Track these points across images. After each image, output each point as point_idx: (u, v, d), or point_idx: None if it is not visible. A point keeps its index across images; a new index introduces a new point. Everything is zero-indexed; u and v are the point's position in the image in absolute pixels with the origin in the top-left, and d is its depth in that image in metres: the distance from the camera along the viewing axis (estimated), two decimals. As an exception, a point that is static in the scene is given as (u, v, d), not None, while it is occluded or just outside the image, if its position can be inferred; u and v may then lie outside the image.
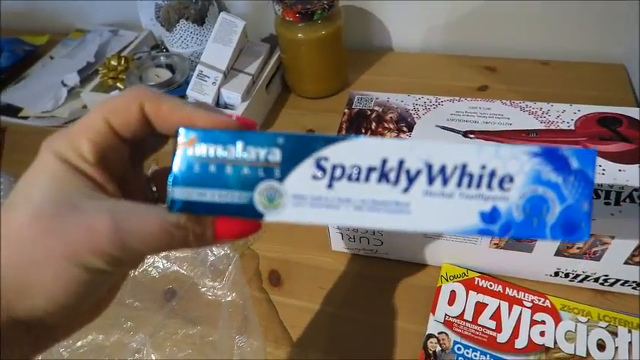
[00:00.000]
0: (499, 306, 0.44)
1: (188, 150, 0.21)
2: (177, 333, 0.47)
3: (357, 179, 0.21)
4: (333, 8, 0.64)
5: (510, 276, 0.47)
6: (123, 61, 0.73)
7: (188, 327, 0.47)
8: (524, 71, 0.70)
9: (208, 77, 0.64)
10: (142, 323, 0.48)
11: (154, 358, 0.45)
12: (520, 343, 0.42)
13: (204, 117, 0.22)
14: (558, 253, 0.42)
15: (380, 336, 0.45)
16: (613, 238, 0.39)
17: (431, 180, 0.21)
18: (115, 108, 0.22)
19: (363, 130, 0.45)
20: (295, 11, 0.63)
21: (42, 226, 0.20)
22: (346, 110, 0.48)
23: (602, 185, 0.38)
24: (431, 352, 0.42)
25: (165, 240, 0.21)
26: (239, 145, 0.21)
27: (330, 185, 0.21)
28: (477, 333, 0.43)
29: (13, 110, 0.78)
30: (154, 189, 0.26)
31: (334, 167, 0.21)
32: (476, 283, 0.46)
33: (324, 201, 0.21)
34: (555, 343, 0.42)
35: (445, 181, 0.21)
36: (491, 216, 0.20)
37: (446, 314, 0.44)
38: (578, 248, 0.41)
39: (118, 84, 0.73)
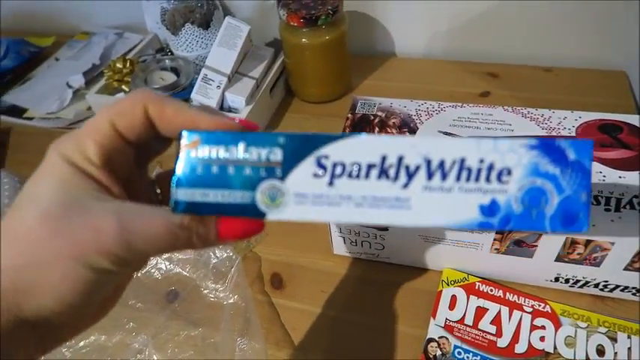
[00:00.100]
0: (499, 311, 0.45)
1: (191, 152, 0.22)
2: (179, 334, 0.47)
3: (358, 176, 0.21)
4: (337, 14, 0.65)
5: (511, 281, 0.47)
6: (128, 64, 0.74)
7: (190, 328, 0.48)
8: (526, 77, 0.71)
9: (213, 81, 0.64)
10: (145, 324, 0.48)
11: (155, 359, 0.46)
12: (520, 348, 0.42)
13: (207, 119, 0.22)
14: (558, 259, 0.42)
15: (381, 339, 0.45)
16: (613, 244, 0.39)
17: (430, 175, 0.21)
18: (120, 111, 0.22)
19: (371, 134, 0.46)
20: (300, 16, 0.63)
21: (50, 227, 0.20)
22: (349, 115, 0.48)
23: (602, 192, 0.39)
24: (431, 356, 0.43)
25: (169, 240, 0.21)
26: (241, 145, 0.22)
27: (331, 183, 0.21)
28: (478, 338, 0.43)
29: (18, 111, 0.79)
30: (158, 191, 0.27)
31: (335, 165, 0.21)
32: (476, 287, 0.46)
33: (326, 198, 0.21)
34: (555, 348, 0.42)
35: (444, 176, 0.21)
36: (490, 209, 0.21)
37: (446, 318, 0.45)
38: (578, 254, 0.41)
39: (123, 86, 0.73)
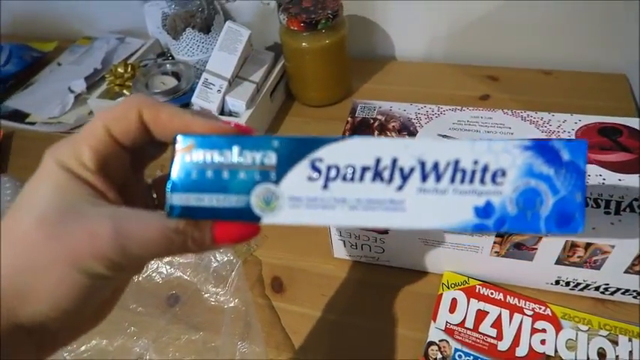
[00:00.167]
0: (500, 314, 0.45)
1: (186, 156, 0.22)
2: (180, 338, 0.47)
3: (352, 179, 0.21)
4: (337, 18, 0.65)
5: (511, 284, 0.47)
6: (129, 69, 0.74)
7: (191, 332, 0.48)
8: (526, 81, 0.71)
9: (213, 85, 0.65)
10: (145, 328, 0.48)
11: (156, 362, 0.46)
12: (521, 351, 0.42)
13: (202, 123, 0.22)
14: (559, 262, 0.42)
15: (381, 343, 0.45)
16: (613, 247, 0.39)
17: (424, 177, 0.21)
18: (115, 116, 0.22)
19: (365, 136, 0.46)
20: (300, 21, 0.63)
21: (46, 233, 0.20)
22: (349, 118, 0.48)
23: (602, 194, 0.39)
24: (432, 359, 0.43)
25: (164, 245, 0.21)
26: (235, 149, 0.22)
27: (325, 186, 0.21)
28: (478, 341, 0.43)
29: (20, 116, 0.79)
30: (155, 196, 0.27)
31: (329, 168, 0.21)
32: (477, 290, 0.46)
33: (320, 202, 0.21)
34: (556, 351, 0.42)
35: (438, 178, 0.21)
36: (485, 211, 0.21)
37: (447, 322, 0.45)
38: (578, 257, 0.41)
39: (125, 91, 0.73)
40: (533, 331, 0.43)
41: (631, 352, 0.41)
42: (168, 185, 0.22)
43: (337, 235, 0.48)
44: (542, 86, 0.69)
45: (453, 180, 0.21)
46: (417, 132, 0.46)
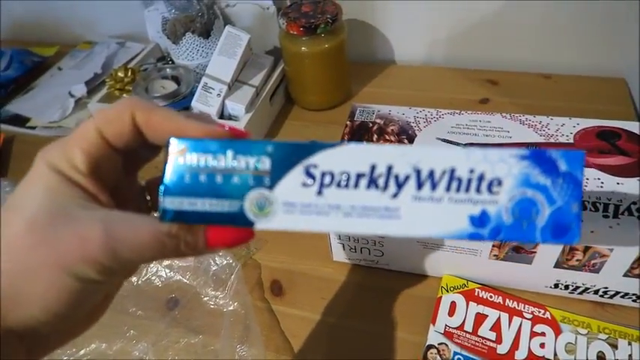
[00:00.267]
0: (499, 317, 0.45)
1: (179, 159, 0.22)
2: (180, 342, 0.47)
3: (347, 186, 0.21)
4: (337, 22, 0.65)
5: (510, 287, 0.47)
6: (129, 73, 0.74)
7: (190, 336, 0.48)
8: (525, 84, 0.71)
9: (213, 89, 0.65)
10: (145, 332, 0.48)
11: (156, 366, 0.46)
12: (520, 354, 0.42)
13: (195, 127, 0.22)
14: (558, 265, 0.42)
15: (380, 346, 0.45)
16: (612, 250, 0.39)
17: (420, 185, 0.21)
18: (107, 118, 0.22)
19: (360, 143, 0.46)
20: (299, 25, 0.64)
21: (36, 236, 0.20)
22: (348, 122, 0.48)
23: (600, 198, 0.39)
24: (431, 363, 0.43)
25: (156, 249, 0.21)
26: (229, 154, 0.21)
27: (319, 192, 0.21)
28: (477, 344, 0.43)
29: (21, 120, 0.79)
30: (148, 198, 0.27)
31: (323, 174, 0.21)
32: (476, 294, 0.46)
33: (314, 208, 0.21)
34: (555, 354, 0.42)
35: (434, 186, 0.21)
36: (480, 220, 0.20)
37: (446, 325, 0.45)
38: (577, 260, 0.41)
39: (125, 95, 0.74)
40: (533, 334, 0.43)
41: (630, 356, 0.41)
42: (161, 189, 0.22)
43: (336, 238, 0.48)
44: (542, 90, 0.70)
45: (448, 188, 0.21)
46: (416, 136, 0.46)
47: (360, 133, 0.47)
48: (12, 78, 0.86)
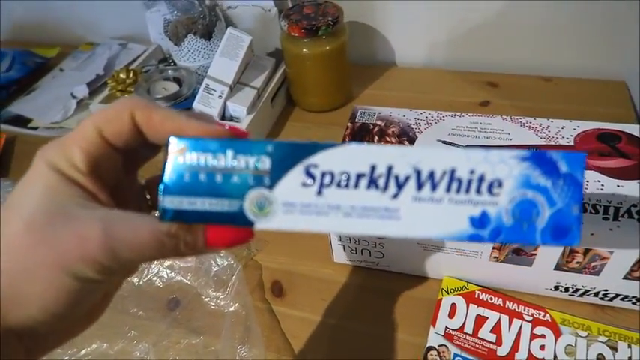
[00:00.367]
0: (499, 319, 0.45)
1: (179, 159, 0.21)
2: (180, 342, 0.48)
3: (347, 186, 0.21)
4: (338, 24, 0.65)
5: (510, 289, 0.47)
6: (131, 74, 0.74)
7: (191, 336, 0.48)
8: (526, 87, 0.71)
9: (215, 90, 0.65)
10: (146, 332, 0.48)
11: (156, 366, 0.46)
12: (520, 356, 0.42)
13: (195, 126, 0.22)
14: (558, 267, 0.42)
15: (381, 347, 0.45)
16: (612, 253, 0.39)
17: (420, 186, 0.21)
18: (107, 117, 0.22)
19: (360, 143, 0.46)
20: (301, 27, 0.64)
21: (35, 235, 0.20)
22: (349, 124, 0.49)
23: (600, 200, 0.39)
24: (431, 364, 0.43)
25: (156, 248, 0.21)
26: (229, 153, 0.21)
27: (319, 192, 0.21)
28: (477, 346, 0.43)
29: (23, 121, 0.80)
30: (148, 197, 0.26)
31: (323, 174, 0.21)
32: (476, 296, 0.46)
33: (314, 208, 0.21)
34: (555, 357, 0.42)
35: (434, 187, 0.21)
36: (480, 221, 0.20)
37: (446, 327, 0.45)
38: (577, 263, 0.41)
39: (127, 96, 0.74)
40: (533, 336, 0.43)
41: (630, 358, 0.41)
42: (161, 188, 0.22)
43: (337, 239, 0.48)
44: (542, 93, 0.70)
45: (448, 189, 0.20)
46: (417, 138, 0.46)
47: (361, 134, 0.47)
48: (14, 79, 0.86)
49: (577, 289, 0.44)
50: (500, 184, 0.20)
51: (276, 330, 0.48)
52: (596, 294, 0.44)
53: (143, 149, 0.24)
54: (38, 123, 0.79)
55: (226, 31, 0.66)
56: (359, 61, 0.80)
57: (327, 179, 0.21)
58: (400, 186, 0.21)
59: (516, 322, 0.44)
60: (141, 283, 0.52)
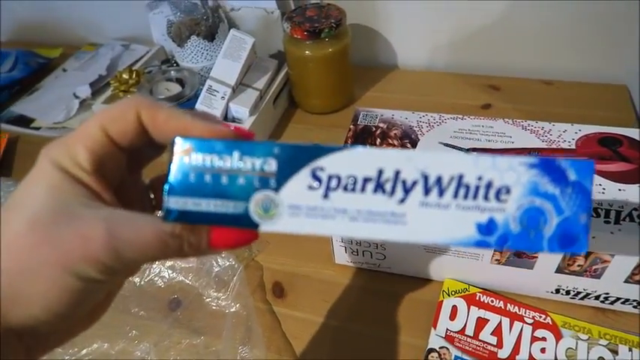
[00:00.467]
0: (500, 322, 0.45)
1: (184, 159, 0.21)
2: (182, 342, 0.48)
3: (353, 189, 0.21)
4: (340, 27, 0.66)
5: (512, 292, 0.47)
6: (134, 75, 0.75)
7: (192, 337, 0.48)
8: (527, 90, 0.71)
9: (217, 92, 0.65)
10: (147, 332, 0.48)
11: (157, 367, 0.46)
12: (521, 359, 0.42)
13: (201, 126, 0.22)
14: (559, 271, 0.42)
15: (381, 349, 0.46)
16: (613, 256, 0.39)
17: (427, 191, 0.20)
18: (112, 116, 0.22)
19: (368, 147, 0.46)
20: (303, 29, 0.64)
21: (38, 235, 0.20)
22: (351, 126, 0.49)
23: (602, 204, 0.39)
24: (432, 366, 0.43)
25: (159, 249, 0.21)
26: (235, 154, 0.21)
27: (325, 195, 0.21)
28: (478, 348, 0.43)
29: (25, 121, 0.80)
30: (152, 196, 0.26)
31: (330, 177, 0.21)
32: (477, 298, 0.46)
33: (320, 211, 0.21)
34: (556, 359, 0.42)
35: (441, 192, 0.20)
36: (487, 228, 0.20)
37: (447, 329, 0.45)
38: (579, 266, 0.41)
39: (132, 95, 0.74)
40: (534, 339, 0.43)
41: (631, 362, 0.41)
42: (165, 188, 0.21)
43: (339, 241, 0.49)
44: (544, 96, 0.70)
45: (456, 195, 0.20)
46: (419, 140, 0.46)
47: (363, 136, 0.48)
48: (17, 79, 0.86)
49: (578, 293, 0.44)
50: (508, 191, 0.20)
51: (277, 331, 0.48)
52: (597, 297, 0.44)
53: (148, 149, 0.24)
54: (41, 123, 0.79)
55: (229, 33, 0.66)
56: (361, 63, 0.81)
57: (334, 182, 0.21)
58: (407, 191, 0.21)
59: (517, 324, 0.44)
60: (142, 283, 0.52)
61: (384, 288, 0.50)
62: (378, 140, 0.47)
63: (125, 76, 0.74)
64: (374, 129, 0.48)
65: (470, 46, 0.75)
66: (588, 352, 0.42)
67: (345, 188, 0.21)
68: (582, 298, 0.45)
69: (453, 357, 0.43)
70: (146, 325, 0.49)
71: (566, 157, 0.41)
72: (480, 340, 0.44)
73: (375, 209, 0.21)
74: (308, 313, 0.49)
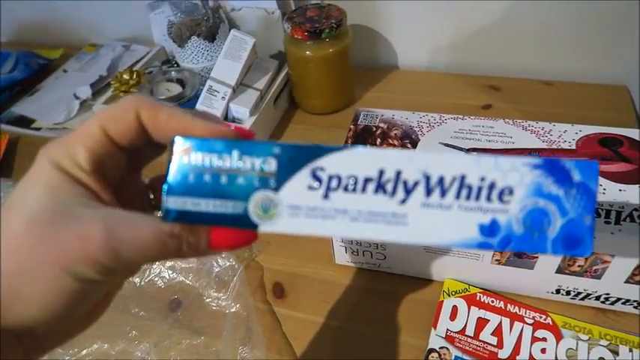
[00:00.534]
0: (500, 322, 0.45)
1: (183, 159, 0.21)
2: (182, 343, 0.48)
3: (354, 190, 0.21)
4: (341, 27, 0.66)
5: (512, 292, 0.47)
6: (135, 75, 0.75)
7: (192, 337, 0.48)
8: (527, 91, 0.71)
9: (218, 92, 0.65)
10: (147, 332, 0.48)
11: (158, 367, 0.46)
12: (521, 359, 0.42)
13: (201, 126, 0.22)
14: (559, 271, 0.42)
15: (382, 350, 0.46)
16: (613, 256, 0.39)
17: (429, 191, 0.20)
18: (112, 116, 0.22)
19: (368, 147, 0.46)
20: (304, 30, 0.64)
21: (36, 235, 0.20)
22: (352, 126, 0.49)
23: (602, 204, 0.39)
24: (432, 366, 0.43)
25: (158, 249, 0.21)
26: (234, 154, 0.21)
27: (326, 196, 0.21)
28: (479, 349, 0.43)
29: (26, 121, 0.80)
30: (152, 196, 0.26)
31: (330, 177, 0.21)
32: (478, 298, 0.46)
33: (320, 212, 0.21)
34: (556, 360, 0.42)
35: (443, 193, 0.20)
36: (490, 229, 0.20)
37: (447, 329, 0.45)
38: (579, 266, 0.41)
39: (132, 95, 0.74)
40: (534, 339, 0.43)
41: (631, 362, 0.41)
42: (165, 188, 0.21)
43: (339, 241, 0.49)
44: (544, 96, 0.70)
45: (458, 196, 0.20)
46: (419, 140, 0.46)
47: (364, 137, 0.48)
48: (17, 80, 0.86)
49: (578, 293, 0.44)
50: (511, 192, 0.20)
51: (278, 331, 0.48)
52: (597, 298, 0.44)
53: (147, 148, 0.24)
54: (41, 124, 0.79)
55: (230, 33, 0.66)
56: (361, 63, 0.81)
57: (334, 183, 0.21)
58: (408, 191, 0.20)
59: (517, 325, 0.44)
60: (142, 283, 0.52)
61: (384, 288, 0.50)
62: (379, 140, 0.47)
63: (126, 76, 0.74)
64: (374, 129, 0.48)
65: (470, 47, 0.75)
66: (589, 353, 0.42)
67: (346, 188, 0.21)
68: (583, 299, 0.45)
69: (453, 357, 0.43)
70: (146, 325, 0.49)
71: (568, 157, 0.41)
72: (481, 341, 0.44)
73: (376, 210, 0.21)
74: (308, 314, 0.49)
